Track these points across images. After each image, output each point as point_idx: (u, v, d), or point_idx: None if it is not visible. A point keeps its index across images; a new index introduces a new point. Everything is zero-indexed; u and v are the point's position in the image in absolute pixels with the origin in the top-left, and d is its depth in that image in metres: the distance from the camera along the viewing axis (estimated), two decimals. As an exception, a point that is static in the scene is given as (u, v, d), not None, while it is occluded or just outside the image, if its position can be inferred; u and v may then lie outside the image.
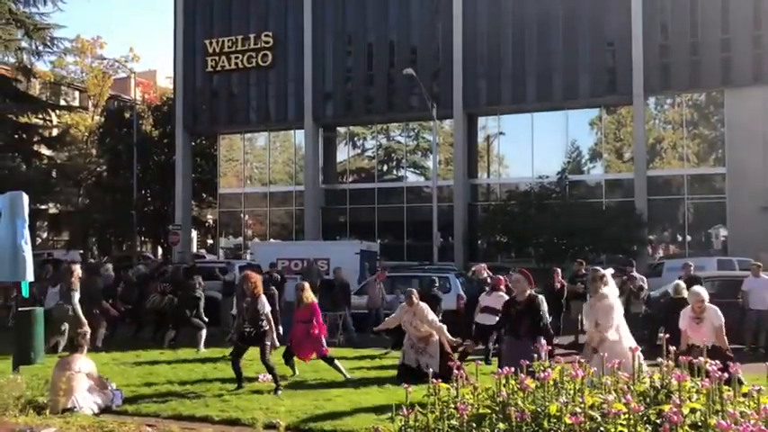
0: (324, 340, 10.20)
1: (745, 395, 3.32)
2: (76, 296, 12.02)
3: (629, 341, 6.95)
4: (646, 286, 13.81)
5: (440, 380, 9.14)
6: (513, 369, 4.17)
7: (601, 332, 6.99)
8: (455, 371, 4.25)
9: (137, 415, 7.72)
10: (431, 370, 9.43)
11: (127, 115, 40.87)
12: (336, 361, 10.08)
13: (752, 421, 2.71)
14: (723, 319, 7.70)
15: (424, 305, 10.10)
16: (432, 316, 9.99)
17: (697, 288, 7.99)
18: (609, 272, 7.51)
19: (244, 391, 8.87)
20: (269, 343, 9.35)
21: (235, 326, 9.55)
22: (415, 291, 10.37)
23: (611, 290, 7.30)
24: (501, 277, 11.74)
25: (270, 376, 9.18)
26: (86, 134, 42.78)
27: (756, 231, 25.81)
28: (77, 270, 12.27)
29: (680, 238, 29.86)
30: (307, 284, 10.67)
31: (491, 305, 10.78)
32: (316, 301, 10.48)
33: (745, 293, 13.43)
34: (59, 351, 11.53)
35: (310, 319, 10.05)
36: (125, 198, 36.92)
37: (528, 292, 7.61)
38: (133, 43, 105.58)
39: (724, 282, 14.51)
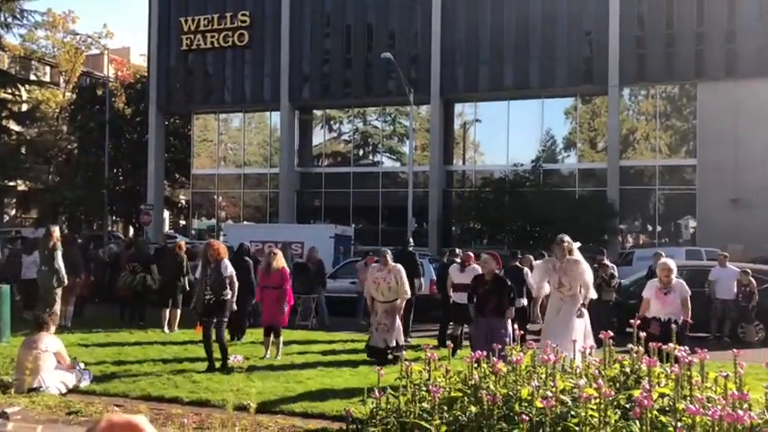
0: (287, 310, 10.26)
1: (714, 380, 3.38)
2: (59, 255, 11.43)
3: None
4: (617, 274, 13.98)
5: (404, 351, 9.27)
6: (484, 352, 4.18)
7: (585, 292, 7.37)
8: (427, 354, 4.25)
9: (105, 395, 7.64)
10: (394, 343, 9.57)
11: (99, 92, 40.10)
12: (281, 338, 10.12)
13: (719, 406, 2.75)
14: (690, 293, 7.81)
15: (400, 266, 10.11)
16: (406, 279, 10.03)
17: (665, 259, 8.10)
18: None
19: (214, 373, 8.81)
20: (226, 319, 9.28)
21: (197, 293, 9.38)
22: (389, 251, 10.37)
23: (579, 254, 7.58)
24: (471, 253, 11.67)
25: (240, 357, 9.12)
26: (57, 110, 41.89)
27: (724, 223, 26.28)
28: (57, 232, 11.83)
29: (650, 228, 30.30)
30: (279, 251, 10.67)
31: (465, 282, 10.73)
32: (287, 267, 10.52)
33: (711, 283, 13.68)
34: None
35: (281, 285, 10.08)
36: (96, 176, 36.31)
37: (495, 271, 7.79)
38: (107, 19, 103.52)
39: (692, 271, 14.72)
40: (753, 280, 13.43)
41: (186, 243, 17.02)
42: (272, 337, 10.18)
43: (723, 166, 27.19)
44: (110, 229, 40.82)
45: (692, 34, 28.26)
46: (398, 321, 9.87)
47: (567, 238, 7.66)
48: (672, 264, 7.89)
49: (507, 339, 7.33)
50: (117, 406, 7.00)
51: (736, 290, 13.44)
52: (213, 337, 9.08)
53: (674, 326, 5.78)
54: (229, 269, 9.19)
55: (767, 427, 2.56)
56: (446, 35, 30.95)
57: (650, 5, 28.72)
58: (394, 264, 10.04)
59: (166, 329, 12.64)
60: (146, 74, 38.31)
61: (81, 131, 39.45)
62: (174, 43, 35.52)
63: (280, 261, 10.33)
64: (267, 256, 10.52)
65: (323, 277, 15.42)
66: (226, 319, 9.28)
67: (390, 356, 9.39)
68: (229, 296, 9.12)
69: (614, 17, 28.62)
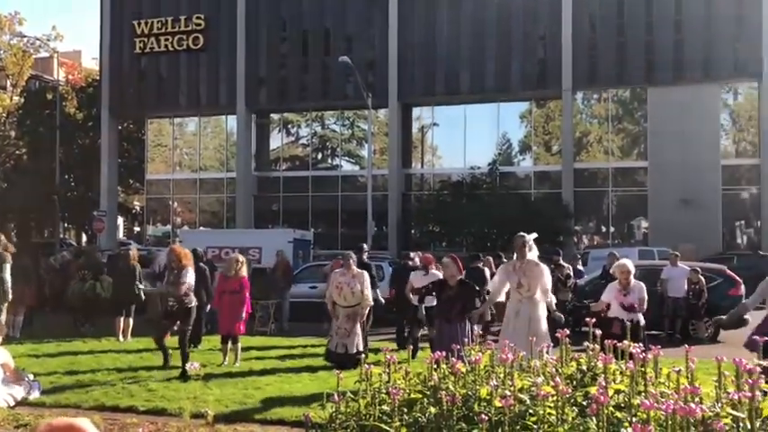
0: (245, 317, 10.13)
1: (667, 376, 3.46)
2: (7, 269, 11.01)
3: None
4: (572, 275, 14.20)
5: (365, 356, 9.25)
6: (444, 353, 4.20)
7: (544, 293, 7.41)
8: (386, 356, 4.24)
9: (56, 407, 7.42)
10: (355, 349, 9.54)
11: (49, 96, 39.13)
12: (239, 345, 10.03)
13: (671, 400, 2.81)
14: (646, 294, 7.99)
15: (364, 272, 10.10)
16: (369, 285, 10.02)
17: (624, 261, 8.24)
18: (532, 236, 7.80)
19: (171, 381, 8.65)
20: (190, 328, 9.14)
21: (160, 299, 9.33)
22: (353, 255, 10.34)
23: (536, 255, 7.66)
24: (430, 255, 11.72)
25: (196, 364, 9.00)
26: (4, 115, 40.73)
27: (675, 223, 27.00)
28: (4, 240, 11.39)
29: (604, 229, 30.93)
30: (244, 259, 10.53)
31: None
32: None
33: (664, 282, 14.00)
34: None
35: (240, 291, 9.96)
36: (47, 183, 35.38)
37: (458, 276, 7.76)
38: (56, 21, 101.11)
39: (644, 271, 15.03)
40: (702, 278, 13.81)
41: (139, 250, 16.71)
42: (229, 344, 10.05)
43: (673, 168, 27.94)
44: (62, 236, 39.83)
45: (642, 40, 28.99)
46: (359, 327, 9.83)
47: (527, 236, 7.72)
48: (630, 265, 8.03)
49: (466, 341, 7.41)
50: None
51: (686, 288, 13.78)
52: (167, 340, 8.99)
53: (628, 323, 5.93)
54: (188, 276, 9.05)
55: (717, 419, 2.63)
56: (403, 40, 31.10)
57: (602, 12, 29.36)
58: (358, 269, 10.03)
59: (121, 338, 12.38)
60: (98, 77, 37.53)
61: (30, 137, 38.47)
62: (127, 46, 34.86)
63: (244, 269, 10.20)
64: (231, 261, 10.34)
65: (289, 281, 15.30)
66: (189, 328, 9.14)
67: (353, 361, 9.35)
68: (193, 303, 9.00)
69: (567, 23, 29.17)
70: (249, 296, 10.37)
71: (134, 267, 13.02)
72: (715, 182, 28.16)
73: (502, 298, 8.08)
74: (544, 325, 7.39)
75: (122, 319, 12.59)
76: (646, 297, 7.88)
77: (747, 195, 29.05)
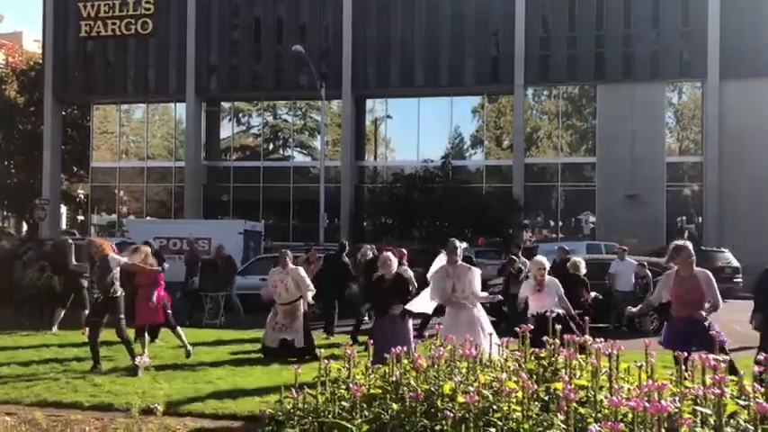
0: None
1: (625, 370, 3.48)
2: None
3: None
4: (524, 268, 14.34)
5: (306, 355, 9.15)
6: (404, 348, 4.14)
7: (475, 296, 7.55)
8: (347, 351, 4.16)
9: (-5, 403, 7.09)
10: (298, 346, 9.48)
11: (-12, 79, 37.57)
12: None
13: (634, 395, 2.82)
14: (562, 290, 8.14)
15: (299, 268, 10.08)
16: (306, 278, 9.94)
17: (539, 257, 8.37)
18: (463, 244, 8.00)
19: (117, 375, 8.38)
20: (122, 317, 8.86)
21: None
22: (289, 252, 10.26)
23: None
24: (402, 250, 11.74)
25: (146, 358, 8.76)
26: (-61, 97, 38.92)
27: (622, 217, 27.70)
28: None
29: (552, 223, 31.46)
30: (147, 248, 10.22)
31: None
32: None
33: (611, 276, 14.27)
34: None
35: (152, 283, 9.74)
36: (-16, 169, 34.02)
37: (395, 270, 7.87)
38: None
39: (593, 264, 15.33)
40: (649, 272, 14.12)
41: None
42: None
43: (620, 164, 28.62)
44: (0, 224, 38.36)
45: (592, 38, 29.52)
46: (301, 322, 9.74)
47: (458, 243, 7.84)
48: (546, 262, 8.20)
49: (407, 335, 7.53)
50: (8, 414, 6.52)
51: (633, 282, 14.08)
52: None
53: (549, 314, 6.12)
54: (112, 265, 8.75)
55: (685, 417, 2.65)
56: (357, 31, 30.94)
57: (554, 8, 29.78)
58: (294, 266, 9.97)
59: (54, 329, 12.00)
60: (40, 61, 36.19)
61: (-33, 120, 36.85)
62: (73, 29, 33.72)
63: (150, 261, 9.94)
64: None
65: (232, 273, 15.03)
66: (121, 317, 8.83)
67: (307, 357, 9.28)
68: (119, 293, 8.72)
69: (520, 19, 29.49)
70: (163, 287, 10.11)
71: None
72: (659, 178, 28.96)
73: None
74: (485, 320, 7.53)
75: (62, 311, 12.24)
76: (562, 293, 8.05)
77: (690, 192, 29.96)
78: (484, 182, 31.30)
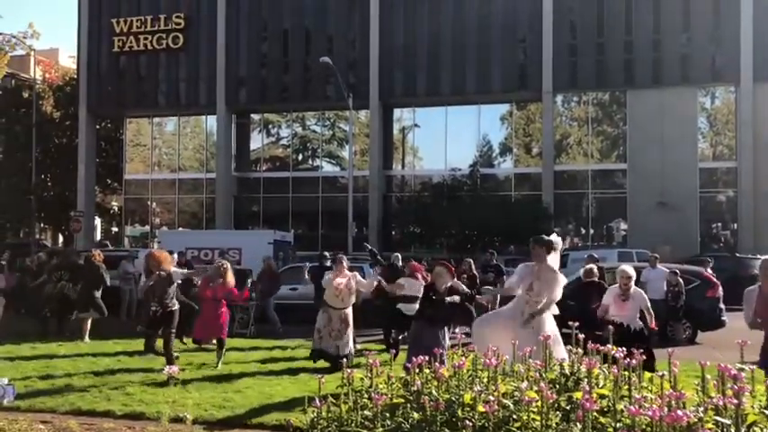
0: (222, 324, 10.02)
1: (649, 380, 3.46)
2: None
3: None
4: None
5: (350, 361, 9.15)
6: (426, 357, 4.16)
7: (548, 303, 7.24)
8: (369, 361, 4.20)
9: (30, 411, 7.26)
10: (348, 352, 9.54)
11: (26, 95, 38.52)
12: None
13: (656, 406, 2.80)
14: (648, 302, 7.99)
15: (357, 275, 10.10)
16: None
17: (625, 266, 8.23)
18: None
19: (149, 384, 8.53)
20: (173, 331, 9.06)
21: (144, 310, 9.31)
22: (345, 257, 10.33)
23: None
24: (415, 263, 11.72)
25: (175, 368, 8.90)
26: (-21, 114, 40.00)
27: (653, 225, 27.29)
28: None
29: (583, 231, 31.13)
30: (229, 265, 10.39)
31: (409, 293, 10.72)
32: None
33: (643, 284, 14.05)
34: None
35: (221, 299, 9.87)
36: (23, 182, 34.82)
37: (449, 283, 7.76)
38: (33, 19, 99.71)
39: (624, 273, 15.14)
40: (681, 280, 13.90)
41: (117, 250, 16.55)
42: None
43: (651, 171, 28.23)
44: (38, 236, 39.22)
45: (621, 44, 29.24)
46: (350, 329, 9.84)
47: (555, 238, 7.66)
48: (631, 270, 8.02)
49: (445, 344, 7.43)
50: (44, 423, 6.67)
51: (665, 290, 13.87)
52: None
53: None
54: (172, 279, 8.98)
55: (701, 425, 2.62)
56: (384, 40, 31.08)
57: (582, 15, 29.56)
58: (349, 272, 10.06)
59: (87, 340, 12.31)
60: (75, 76, 37.04)
61: (5, 135, 37.84)
62: (105, 45, 34.48)
63: (230, 276, 10.03)
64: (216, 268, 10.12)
65: (275, 286, 15.16)
66: (172, 331, 9.06)
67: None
68: (176, 307, 8.93)
69: (548, 25, 29.33)
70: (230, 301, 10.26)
71: (97, 268, 12.98)
72: (692, 184, 28.50)
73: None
74: (552, 328, 7.21)
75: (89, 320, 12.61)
76: (648, 304, 7.90)
77: (724, 198, 29.41)
78: (513, 190, 31.13)
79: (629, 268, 8.10)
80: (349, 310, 9.86)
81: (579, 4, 29.39)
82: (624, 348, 3.80)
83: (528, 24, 29.94)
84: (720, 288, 14.08)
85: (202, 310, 10.07)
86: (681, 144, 28.21)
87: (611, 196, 30.30)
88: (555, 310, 7.23)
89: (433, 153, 32.22)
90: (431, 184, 30.30)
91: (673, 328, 14.02)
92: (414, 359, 4.46)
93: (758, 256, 21.80)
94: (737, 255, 24.14)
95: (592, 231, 30.76)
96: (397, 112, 33.08)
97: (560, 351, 5.83)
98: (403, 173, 33.54)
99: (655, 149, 28.24)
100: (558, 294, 7.11)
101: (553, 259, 7.34)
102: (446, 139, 31.58)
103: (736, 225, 28.61)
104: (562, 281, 7.18)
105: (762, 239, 26.22)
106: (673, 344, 11.16)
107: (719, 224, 29.58)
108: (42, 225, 41.75)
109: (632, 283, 7.82)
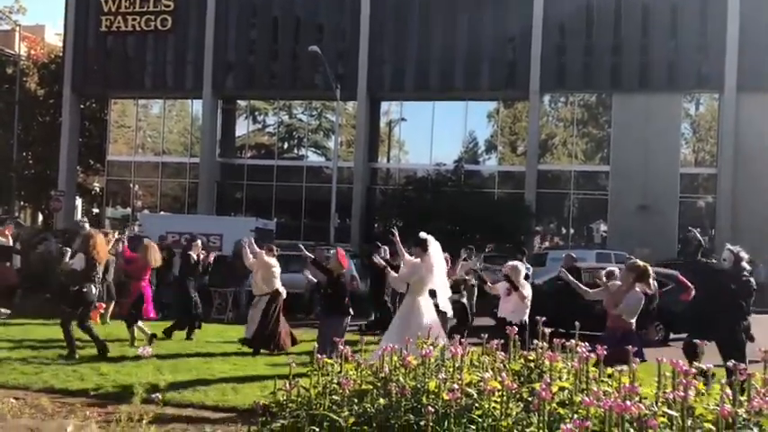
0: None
1: (609, 376, 3.57)
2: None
3: None
4: (530, 274, 14.40)
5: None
6: (396, 345, 4.24)
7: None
8: (340, 347, 4.27)
9: (2, 387, 7.28)
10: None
11: (9, 71, 38.09)
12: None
13: (612, 398, 2.91)
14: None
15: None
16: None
17: (513, 262, 8.56)
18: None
19: (123, 364, 8.55)
20: (92, 304, 9.24)
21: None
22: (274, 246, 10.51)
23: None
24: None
25: (149, 349, 8.95)
26: (-40, 88, 39.47)
27: (633, 227, 27.61)
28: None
29: (564, 231, 31.41)
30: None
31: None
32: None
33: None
34: None
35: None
36: (4, 159, 34.46)
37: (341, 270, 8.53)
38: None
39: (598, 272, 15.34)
40: (655, 282, 14.08)
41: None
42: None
43: (634, 174, 28.52)
44: (16, 215, 38.84)
45: (609, 46, 29.45)
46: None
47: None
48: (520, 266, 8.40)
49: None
50: (16, 399, 6.69)
51: (640, 291, 14.05)
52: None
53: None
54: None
55: (651, 417, 2.73)
56: (374, 33, 31.06)
57: (571, 16, 29.70)
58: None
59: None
60: (61, 54, 36.65)
61: (-13, 111, 37.38)
62: (93, 24, 34.13)
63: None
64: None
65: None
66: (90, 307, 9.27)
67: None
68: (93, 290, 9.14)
69: (537, 25, 29.46)
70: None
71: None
72: (673, 189, 28.85)
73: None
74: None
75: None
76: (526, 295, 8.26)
77: (703, 204, 29.80)
78: (496, 187, 31.31)
79: (519, 265, 8.49)
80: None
81: (569, 6, 29.52)
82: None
83: (518, 23, 30.03)
84: (693, 291, 14.29)
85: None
86: (664, 149, 28.52)
87: (593, 197, 30.59)
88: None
89: (419, 147, 32.32)
90: (415, 178, 30.37)
91: (646, 329, 14.23)
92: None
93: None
94: (714, 260, 24.48)
95: (572, 231, 31.05)
96: (384, 105, 33.11)
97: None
98: (388, 166, 33.61)
99: (638, 153, 28.52)
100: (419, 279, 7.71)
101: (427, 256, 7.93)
102: (432, 134, 31.68)
103: (713, 231, 29.01)
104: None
105: (739, 246, 26.56)
106: (646, 345, 11.36)
107: (698, 229, 29.81)
108: (22, 203, 41.37)
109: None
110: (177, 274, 12.56)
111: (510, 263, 8.65)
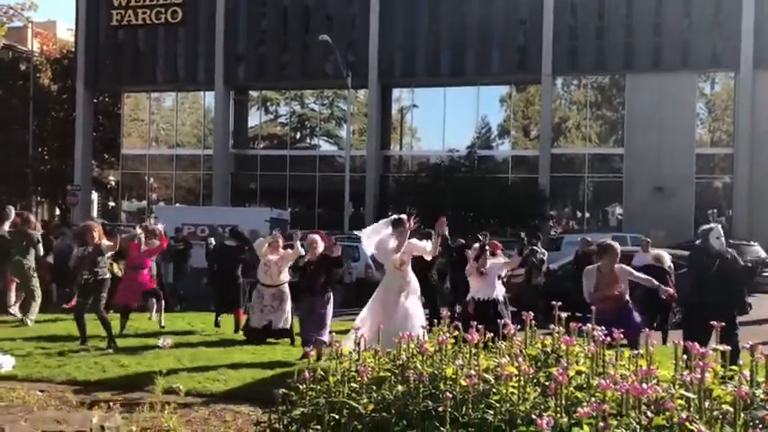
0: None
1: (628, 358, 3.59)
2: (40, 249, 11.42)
3: None
4: (546, 259, 14.38)
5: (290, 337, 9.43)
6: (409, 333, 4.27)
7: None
8: (353, 333, 4.32)
9: (27, 380, 7.40)
10: (283, 327, 9.60)
11: (23, 67, 38.38)
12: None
13: (629, 381, 2.93)
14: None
15: (289, 251, 9.77)
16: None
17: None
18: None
19: (144, 356, 8.66)
20: (105, 294, 9.32)
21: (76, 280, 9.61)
22: (280, 234, 10.30)
23: None
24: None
25: (169, 340, 9.06)
26: (-25, 85, 39.82)
27: (649, 210, 27.43)
28: (33, 220, 11.71)
29: (579, 215, 31.29)
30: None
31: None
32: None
33: (634, 267, 14.20)
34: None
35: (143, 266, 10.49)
36: (19, 155, 34.79)
37: (319, 250, 8.57)
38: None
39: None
40: (672, 265, 14.00)
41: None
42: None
43: (648, 156, 28.31)
44: (34, 210, 39.27)
45: (621, 27, 29.16)
46: (287, 305, 9.80)
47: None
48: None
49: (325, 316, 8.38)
50: (41, 391, 6.81)
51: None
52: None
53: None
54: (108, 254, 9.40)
55: (668, 400, 2.75)
56: (384, 20, 30.95)
57: (583, -2, 29.42)
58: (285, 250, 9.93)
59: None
60: (73, 49, 36.87)
61: (2, 107, 37.72)
62: (104, 18, 34.28)
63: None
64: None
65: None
66: (104, 295, 9.40)
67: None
68: (106, 276, 9.22)
69: (548, 7, 29.23)
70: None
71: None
72: (689, 170, 28.61)
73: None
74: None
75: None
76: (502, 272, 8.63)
77: (720, 184, 29.56)
78: (510, 172, 31.21)
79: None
80: (284, 287, 9.74)
81: (581, -13, 29.25)
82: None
83: (529, 6, 29.81)
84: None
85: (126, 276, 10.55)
86: (679, 129, 28.26)
87: (608, 180, 30.41)
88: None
89: (432, 134, 32.25)
90: (428, 165, 30.36)
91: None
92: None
93: (752, 243, 22.01)
94: (731, 241, 24.29)
95: (588, 215, 30.91)
96: (395, 92, 33.04)
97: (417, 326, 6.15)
98: (401, 153, 33.58)
99: (653, 134, 28.29)
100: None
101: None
102: (444, 120, 31.58)
103: (731, 212, 28.77)
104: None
105: (756, 226, 26.40)
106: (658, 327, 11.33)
107: (715, 210, 29.73)
108: (39, 199, 41.80)
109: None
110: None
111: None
